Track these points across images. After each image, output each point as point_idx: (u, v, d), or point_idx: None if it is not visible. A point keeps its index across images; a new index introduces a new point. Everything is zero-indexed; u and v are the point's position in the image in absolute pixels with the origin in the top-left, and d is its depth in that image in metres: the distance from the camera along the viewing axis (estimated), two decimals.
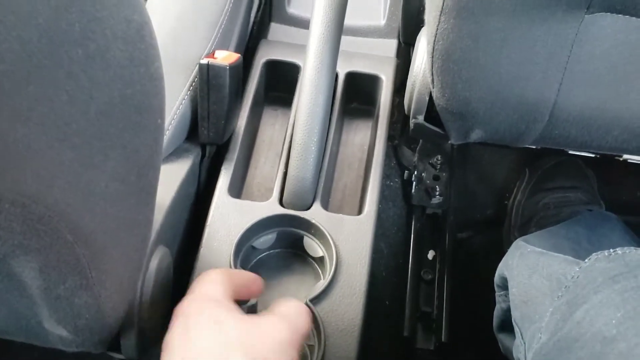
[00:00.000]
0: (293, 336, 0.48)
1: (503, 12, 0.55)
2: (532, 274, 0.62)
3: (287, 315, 0.50)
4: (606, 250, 0.51)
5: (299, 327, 0.50)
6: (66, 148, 0.37)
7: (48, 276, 0.45)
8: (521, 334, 0.61)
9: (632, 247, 0.51)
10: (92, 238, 0.44)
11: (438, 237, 0.93)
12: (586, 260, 0.52)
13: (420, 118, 0.70)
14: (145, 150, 0.48)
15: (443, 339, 0.84)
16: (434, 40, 0.59)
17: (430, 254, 0.93)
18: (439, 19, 0.57)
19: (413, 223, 0.93)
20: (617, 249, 0.51)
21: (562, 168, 0.94)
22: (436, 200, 0.93)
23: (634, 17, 0.57)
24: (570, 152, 0.91)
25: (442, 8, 0.56)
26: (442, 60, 0.60)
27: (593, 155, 0.87)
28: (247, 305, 0.64)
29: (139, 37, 0.41)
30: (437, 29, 0.58)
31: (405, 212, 0.94)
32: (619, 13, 0.57)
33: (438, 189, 0.93)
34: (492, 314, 0.75)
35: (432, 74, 0.62)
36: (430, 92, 0.66)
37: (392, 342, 0.84)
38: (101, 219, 0.44)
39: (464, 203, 0.98)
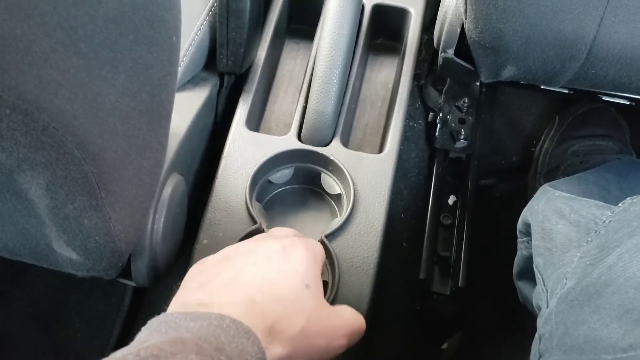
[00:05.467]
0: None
1: None
2: (558, 219, 0.59)
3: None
4: None
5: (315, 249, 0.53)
6: (72, 54, 0.35)
7: (55, 194, 0.43)
8: (543, 281, 0.59)
9: None
10: (101, 156, 0.42)
11: (460, 183, 0.91)
12: (619, 204, 0.49)
13: (450, 52, 0.66)
14: (158, 68, 0.45)
15: (460, 284, 0.82)
16: None
17: (451, 199, 0.90)
18: None
19: (435, 167, 0.90)
20: None
21: (594, 115, 0.90)
22: (460, 144, 0.90)
23: None
24: (604, 99, 0.87)
25: None
26: None
27: (627, 103, 0.83)
28: (252, 229, 0.63)
29: None
30: None
31: (427, 155, 0.91)
32: None
33: (463, 133, 0.90)
34: (511, 262, 0.73)
35: (465, 3, 0.59)
36: (463, 24, 0.63)
37: (407, 284, 0.83)
38: (111, 137, 0.43)
39: (488, 148, 0.94)
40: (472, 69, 0.67)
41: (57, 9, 0.32)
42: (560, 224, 0.58)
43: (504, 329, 0.83)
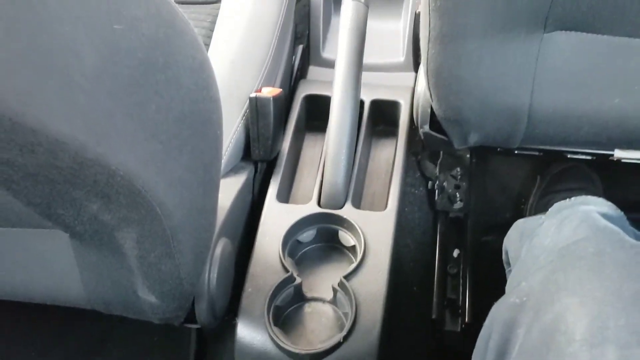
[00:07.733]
0: None
1: (476, 36, 0.70)
2: (520, 237, 0.76)
3: None
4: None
5: None
6: (156, 142, 0.55)
7: (143, 245, 0.62)
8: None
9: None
10: (174, 214, 0.61)
11: (462, 238, 1.07)
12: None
13: (426, 127, 0.86)
14: (208, 152, 0.66)
15: (467, 320, 0.96)
16: (427, 62, 0.75)
17: (456, 252, 1.06)
18: (428, 45, 0.73)
19: (439, 225, 1.07)
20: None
21: (569, 172, 1.07)
22: (458, 205, 1.07)
23: (584, 33, 0.71)
24: (574, 157, 1.04)
25: (429, 37, 0.72)
26: (435, 77, 0.76)
27: (590, 158, 0.99)
28: (294, 285, 0.81)
29: (201, 69, 0.60)
30: (428, 54, 0.74)
31: (430, 216, 1.09)
32: (572, 30, 0.71)
33: (459, 196, 1.07)
34: None
35: (429, 90, 0.78)
36: (431, 105, 0.82)
37: (420, 323, 0.97)
38: (179, 200, 0.62)
39: (483, 208, 1.11)
40: (446, 139, 0.85)
41: (147, 114, 0.53)
42: (520, 241, 0.75)
43: None
